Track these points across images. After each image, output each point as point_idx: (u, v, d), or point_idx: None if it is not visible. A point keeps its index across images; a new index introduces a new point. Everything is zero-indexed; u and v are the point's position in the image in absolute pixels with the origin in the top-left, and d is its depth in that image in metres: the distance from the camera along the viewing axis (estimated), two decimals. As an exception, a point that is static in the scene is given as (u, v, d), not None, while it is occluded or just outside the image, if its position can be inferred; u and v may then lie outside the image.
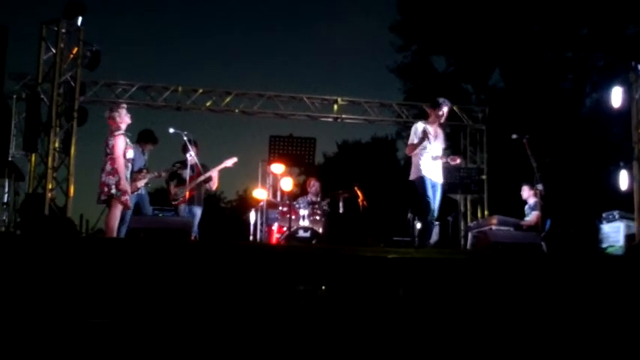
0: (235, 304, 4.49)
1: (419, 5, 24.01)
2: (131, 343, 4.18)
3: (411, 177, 7.71)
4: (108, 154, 7.37)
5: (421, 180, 7.57)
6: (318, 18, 58.16)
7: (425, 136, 7.59)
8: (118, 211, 7.29)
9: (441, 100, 7.82)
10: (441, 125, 8.02)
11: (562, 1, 20.75)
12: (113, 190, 7.23)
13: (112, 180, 7.25)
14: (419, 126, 7.76)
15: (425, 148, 7.61)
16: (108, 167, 7.30)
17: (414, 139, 7.70)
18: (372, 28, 51.61)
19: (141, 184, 8.24)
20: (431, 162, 7.62)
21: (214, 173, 8.88)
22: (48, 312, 4.22)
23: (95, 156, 7.49)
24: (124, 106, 7.81)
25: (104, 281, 4.45)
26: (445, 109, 7.79)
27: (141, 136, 8.65)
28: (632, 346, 4.63)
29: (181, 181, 8.72)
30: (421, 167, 7.60)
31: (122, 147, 7.36)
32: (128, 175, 7.52)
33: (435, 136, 7.76)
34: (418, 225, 10.10)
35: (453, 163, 7.87)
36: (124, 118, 7.53)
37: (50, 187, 8.81)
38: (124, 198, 7.30)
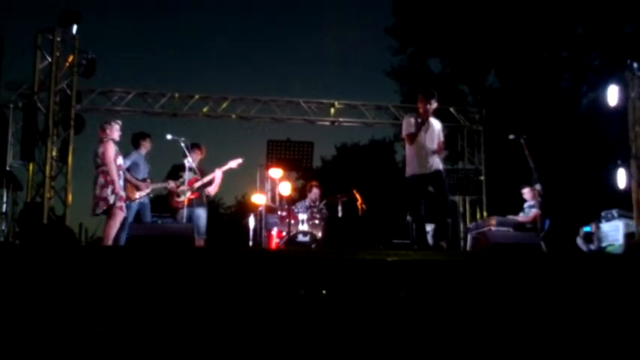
0: (236, 310, 4.49)
1: (413, 8, 24.03)
2: (131, 351, 4.17)
3: (406, 174, 7.55)
4: (99, 165, 7.38)
5: (409, 180, 7.44)
6: (314, 22, 58.23)
7: (421, 122, 7.39)
8: (117, 220, 7.28)
9: (433, 91, 7.53)
10: (434, 118, 7.65)
11: (556, 0, 20.78)
12: (112, 200, 7.22)
13: (107, 191, 7.25)
14: (409, 117, 7.62)
15: (419, 140, 7.39)
16: (101, 180, 7.31)
17: (409, 129, 7.46)
18: (368, 31, 51.75)
19: (143, 193, 8.21)
20: (425, 155, 7.38)
21: (218, 174, 8.86)
22: (48, 321, 4.21)
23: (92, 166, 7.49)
24: (119, 122, 7.85)
25: (104, 289, 4.44)
26: (435, 104, 7.49)
27: (134, 140, 8.58)
28: (632, 346, 4.63)
29: (180, 181, 8.62)
30: (412, 164, 7.45)
31: (112, 153, 7.37)
32: (122, 183, 7.51)
33: (427, 128, 7.45)
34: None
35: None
36: (113, 132, 7.59)
37: (48, 196, 8.79)
38: (119, 204, 7.29)
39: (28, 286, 4.38)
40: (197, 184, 8.63)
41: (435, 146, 7.47)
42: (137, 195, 8.12)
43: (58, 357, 4.08)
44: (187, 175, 8.52)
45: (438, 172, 7.43)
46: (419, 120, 7.46)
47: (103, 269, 4.62)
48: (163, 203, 9.09)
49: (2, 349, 4.05)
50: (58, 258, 4.70)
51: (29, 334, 4.13)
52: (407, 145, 7.61)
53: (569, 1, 20.81)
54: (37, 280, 4.42)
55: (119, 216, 7.30)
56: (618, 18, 20.36)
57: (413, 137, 7.44)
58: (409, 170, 7.51)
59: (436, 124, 7.64)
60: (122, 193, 7.38)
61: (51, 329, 4.18)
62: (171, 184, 8.51)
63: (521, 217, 9.70)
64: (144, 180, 8.27)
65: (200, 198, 8.82)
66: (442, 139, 7.64)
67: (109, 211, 7.27)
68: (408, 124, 7.54)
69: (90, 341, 4.16)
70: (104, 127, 7.57)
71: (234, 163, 8.94)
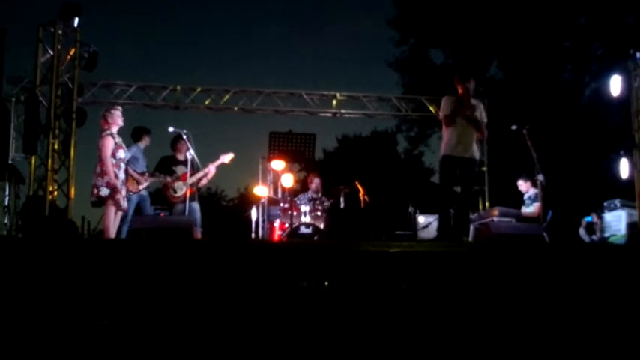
0: (239, 302, 4.50)
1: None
2: (134, 344, 4.18)
3: (440, 153, 7.38)
4: (99, 156, 7.36)
5: (443, 161, 7.28)
6: (316, 14, 58.06)
7: (459, 106, 7.17)
8: (111, 211, 7.25)
9: (469, 70, 7.42)
10: (474, 99, 7.46)
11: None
12: (103, 192, 7.18)
13: (100, 182, 7.20)
14: (448, 98, 7.33)
15: (459, 123, 7.18)
16: (97, 169, 7.27)
17: (446, 111, 7.25)
18: (370, 22, 51.63)
19: (142, 187, 8.22)
20: (462, 139, 7.18)
21: (212, 169, 8.77)
22: (50, 314, 4.22)
23: (95, 157, 7.46)
24: (119, 108, 7.75)
25: (106, 282, 4.45)
26: (473, 83, 7.35)
27: (134, 134, 8.59)
28: (635, 337, 4.63)
29: (175, 175, 8.60)
30: (447, 145, 7.24)
31: (109, 147, 7.29)
32: (122, 175, 7.43)
33: (467, 111, 7.24)
34: (420, 219, 10.09)
35: None
36: (115, 120, 7.46)
37: (51, 189, 8.81)
38: (116, 197, 7.25)
39: (31, 279, 4.39)
40: (191, 180, 8.54)
41: (474, 132, 7.31)
42: (138, 188, 8.14)
43: (61, 350, 4.09)
44: (182, 169, 8.48)
45: (472, 160, 7.28)
46: (457, 103, 7.26)
47: (105, 262, 4.63)
48: (158, 196, 9.03)
49: (5, 343, 4.06)
50: (61, 251, 4.71)
51: (32, 327, 4.14)
52: (444, 127, 7.40)
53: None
54: (39, 273, 4.43)
55: (111, 208, 7.25)
56: (621, 8, 20.28)
57: (450, 120, 7.24)
58: (443, 151, 7.34)
59: (477, 105, 7.42)
60: (118, 186, 7.31)
61: (54, 322, 4.19)
62: (168, 178, 8.48)
63: (525, 211, 9.65)
64: (143, 173, 8.28)
65: (194, 193, 8.79)
66: (485, 120, 7.48)
67: (104, 202, 7.25)
68: (446, 105, 7.32)
69: (93, 334, 4.17)
70: (105, 115, 7.44)
71: (226, 159, 8.83)
